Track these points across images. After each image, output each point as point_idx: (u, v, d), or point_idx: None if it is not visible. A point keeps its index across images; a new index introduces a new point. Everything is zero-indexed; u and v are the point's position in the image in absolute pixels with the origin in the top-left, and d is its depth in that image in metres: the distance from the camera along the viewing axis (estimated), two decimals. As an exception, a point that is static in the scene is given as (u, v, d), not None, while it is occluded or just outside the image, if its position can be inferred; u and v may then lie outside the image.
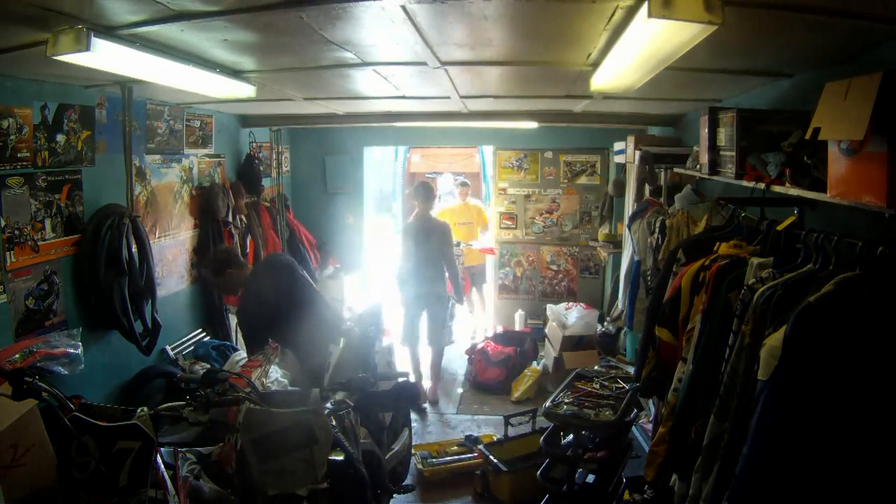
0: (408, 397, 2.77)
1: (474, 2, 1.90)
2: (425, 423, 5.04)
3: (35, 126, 3.20)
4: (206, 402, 2.24)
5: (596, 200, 6.77)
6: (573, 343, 5.68)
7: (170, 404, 2.29)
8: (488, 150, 7.77)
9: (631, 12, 1.89)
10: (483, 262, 6.93)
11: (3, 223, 3.03)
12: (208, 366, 4.37)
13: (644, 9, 1.59)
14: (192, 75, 2.82)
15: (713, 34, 1.72)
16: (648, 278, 3.87)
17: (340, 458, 2.39)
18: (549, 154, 6.86)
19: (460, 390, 5.73)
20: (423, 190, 5.43)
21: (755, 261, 2.10)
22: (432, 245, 5.18)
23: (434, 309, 5.28)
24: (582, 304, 6.21)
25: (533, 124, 5.66)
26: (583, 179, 6.84)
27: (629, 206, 5.08)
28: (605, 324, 6.10)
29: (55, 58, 2.15)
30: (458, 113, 5.26)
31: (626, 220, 4.78)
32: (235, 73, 3.13)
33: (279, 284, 3.43)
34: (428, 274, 5.18)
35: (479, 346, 5.99)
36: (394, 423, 3.53)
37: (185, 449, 2.90)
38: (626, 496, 3.22)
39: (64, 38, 2.08)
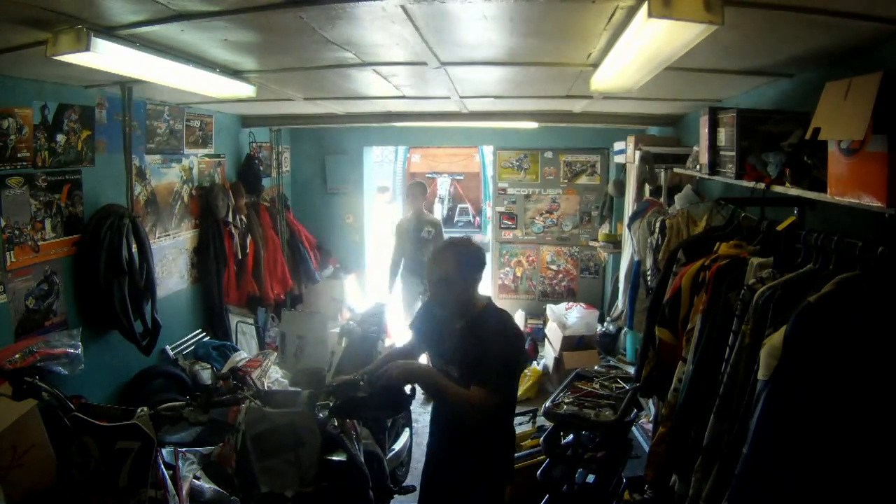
0: (392, 406, 2.54)
1: (474, 1, 1.90)
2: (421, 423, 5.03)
3: (35, 126, 3.20)
4: (206, 402, 2.25)
5: (596, 200, 6.77)
6: (573, 343, 5.67)
7: (170, 404, 2.29)
8: (488, 150, 7.76)
9: (631, 12, 1.89)
10: None
11: (3, 223, 3.03)
12: (208, 366, 4.37)
13: (644, 9, 1.59)
14: (192, 75, 2.82)
15: (713, 34, 1.72)
16: (648, 278, 3.87)
17: (343, 458, 2.38)
18: (549, 154, 6.85)
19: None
20: (419, 189, 5.91)
21: (755, 261, 2.10)
22: (425, 238, 5.61)
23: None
24: (582, 304, 6.21)
25: (533, 124, 5.65)
26: (583, 179, 6.83)
27: (629, 206, 5.08)
28: (605, 324, 6.10)
29: (55, 58, 2.15)
30: (458, 113, 5.26)
31: (626, 220, 4.78)
32: (235, 73, 3.13)
33: None
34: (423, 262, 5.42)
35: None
36: (394, 423, 3.53)
37: (185, 449, 2.90)
38: (626, 496, 3.22)
39: (64, 38, 2.08)
